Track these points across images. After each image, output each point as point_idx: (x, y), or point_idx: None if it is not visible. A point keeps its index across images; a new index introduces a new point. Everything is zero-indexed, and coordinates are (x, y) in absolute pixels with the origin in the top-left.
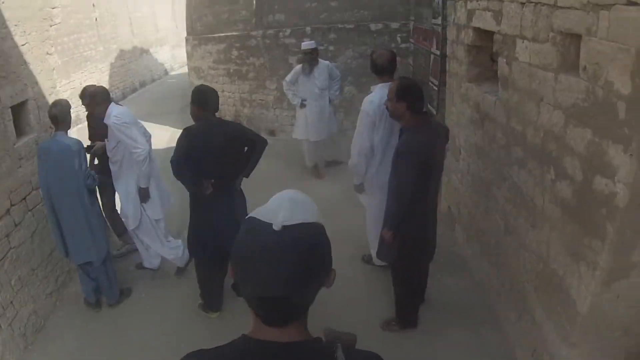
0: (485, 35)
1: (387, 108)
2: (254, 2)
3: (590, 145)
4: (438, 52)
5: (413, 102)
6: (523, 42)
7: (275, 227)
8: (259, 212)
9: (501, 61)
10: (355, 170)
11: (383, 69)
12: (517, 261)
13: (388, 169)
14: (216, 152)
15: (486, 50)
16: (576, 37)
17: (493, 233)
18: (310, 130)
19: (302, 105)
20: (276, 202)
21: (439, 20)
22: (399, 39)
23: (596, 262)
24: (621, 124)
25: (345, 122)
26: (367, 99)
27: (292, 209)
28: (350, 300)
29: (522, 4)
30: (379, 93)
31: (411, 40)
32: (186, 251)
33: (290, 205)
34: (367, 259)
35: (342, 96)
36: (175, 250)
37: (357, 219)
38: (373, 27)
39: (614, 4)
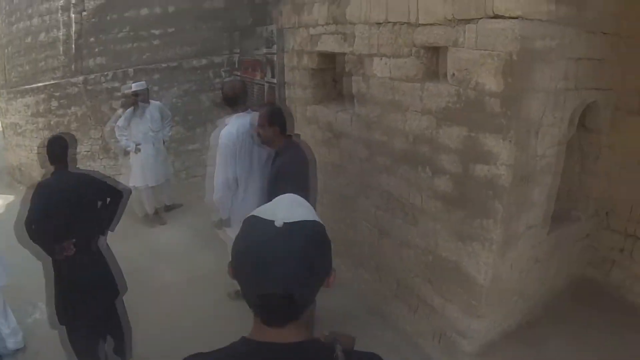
0: (330, 58)
1: (258, 134)
2: (73, 46)
3: (466, 140)
4: (274, 80)
5: (284, 126)
6: (381, 59)
7: (277, 224)
8: (259, 210)
9: (356, 79)
10: (221, 204)
11: (236, 100)
12: (401, 260)
13: (254, 198)
14: (77, 207)
15: (330, 73)
16: (439, 49)
17: (366, 241)
18: (148, 175)
19: (137, 150)
20: (276, 202)
21: (273, 49)
22: (223, 73)
23: (491, 238)
24: (497, 117)
25: (177, 164)
26: (225, 132)
27: (292, 207)
28: (233, 337)
29: (379, 24)
30: (235, 124)
31: (237, 73)
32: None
33: (289, 203)
34: (238, 294)
35: (171, 137)
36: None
37: (213, 258)
38: (196, 63)
39: (480, 18)
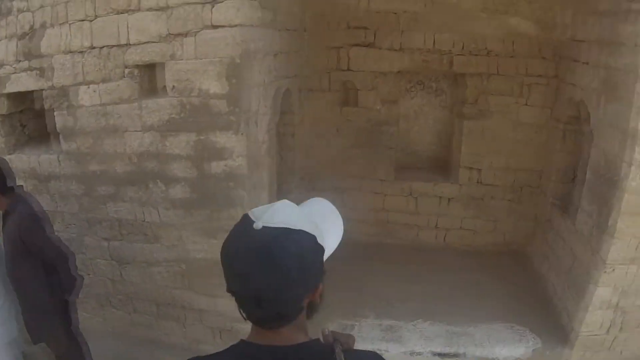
0: (23, 98)
1: None
2: None
3: (197, 144)
4: None
5: (5, 181)
6: (89, 87)
7: (255, 226)
8: (257, 209)
9: (60, 114)
10: None
11: None
12: (153, 281)
13: None
14: None
15: (17, 117)
16: (155, 66)
17: (107, 278)
18: None
19: None
20: (276, 202)
21: None
22: None
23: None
24: (226, 115)
25: None
26: None
27: (280, 211)
28: None
29: (82, 52)
30: None
31: None
32: None
33: (282, 206)
34: None
35: None
36: None
37: None
38: None
39: (199, 30)
